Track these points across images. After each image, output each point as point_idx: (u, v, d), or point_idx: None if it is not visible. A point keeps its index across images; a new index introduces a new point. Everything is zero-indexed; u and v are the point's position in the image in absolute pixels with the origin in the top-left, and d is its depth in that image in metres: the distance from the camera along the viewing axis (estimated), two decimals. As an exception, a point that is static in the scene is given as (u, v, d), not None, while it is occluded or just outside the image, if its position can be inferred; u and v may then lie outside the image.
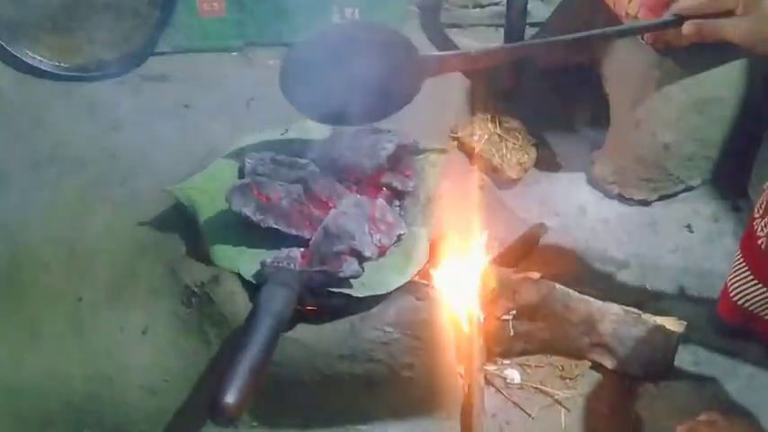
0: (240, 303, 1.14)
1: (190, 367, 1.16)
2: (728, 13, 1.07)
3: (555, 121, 1.70)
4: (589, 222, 1.59)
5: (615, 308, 1.35)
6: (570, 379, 1.38)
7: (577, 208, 1.61)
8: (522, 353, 1.41)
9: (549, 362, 1.41)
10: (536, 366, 1.41)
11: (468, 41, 1.86)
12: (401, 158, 1.28)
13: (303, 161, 1.26)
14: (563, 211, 1.59)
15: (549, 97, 1.73)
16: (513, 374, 1.39)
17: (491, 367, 1.38)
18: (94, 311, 1.19)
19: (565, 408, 1.33)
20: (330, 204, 1.20)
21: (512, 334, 1.37)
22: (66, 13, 1.44)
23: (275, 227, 1.16)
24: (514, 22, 1.68)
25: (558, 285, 1.36)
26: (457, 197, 1.35)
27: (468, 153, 1.66)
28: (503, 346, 1.39)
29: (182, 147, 1.34)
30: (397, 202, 1.26)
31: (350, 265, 1.13)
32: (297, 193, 1.20)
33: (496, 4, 1.87)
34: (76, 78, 1.46)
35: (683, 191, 1.63)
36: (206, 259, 1.19)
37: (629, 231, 1.59)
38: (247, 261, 1.16)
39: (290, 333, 1.12)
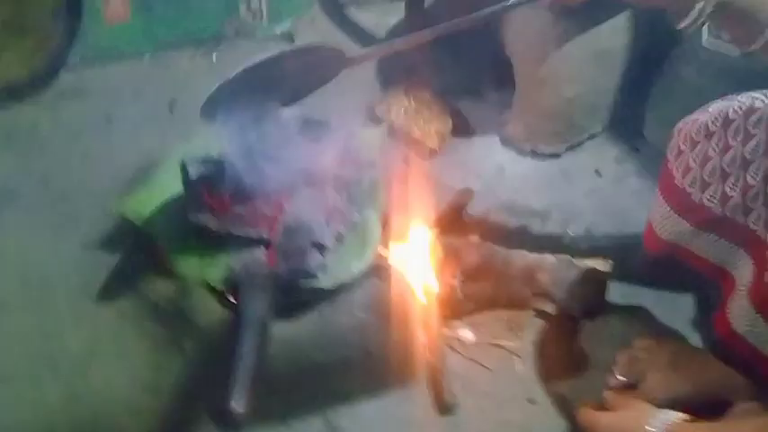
0: (213, 311, 1.16)
1: (170, 380, 1.17)
2: None
3: (463, 88, 1.77)
4: (508, 180, 1.68)
5: (549, 257, 1.45)
6: (518, 330, 1.48)
7: (496, 168, 1.69)
8: (472, 312, 1.50)
9: (496, 317, 1.49)
10: (485, 323, 1.49)
11: (368, 17, 1.89)
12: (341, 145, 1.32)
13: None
14: (483, 173, 1.67)
15: (454, 66, 1.80)
16: (467, 334, 1.47)
17: (446, 330, 1.46)
18: (62, 343, 1.17)
19: (517, 356, 1.43)
20: (283, 202, 1.23)
21: (460, 297, 1.46)
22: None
23: (234, 232, 1.18)
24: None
25: (495, 246, 1.45)
26: (389, 175, 1.41)
27: (389, 130, 1.70)
28: (454, 309, 1.47)
29: (112, 162, 1.32)
30: (345, 191, 1.30)
31: (314, 259, 1.17)
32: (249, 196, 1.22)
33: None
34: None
35: (588, 139, 1.74)
36: (167, 273, 1.20)
37: (545, 183, 1.69)
38: (212, 268, 1.18)
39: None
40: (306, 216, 1.19)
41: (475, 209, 1.62)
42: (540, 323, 1.46)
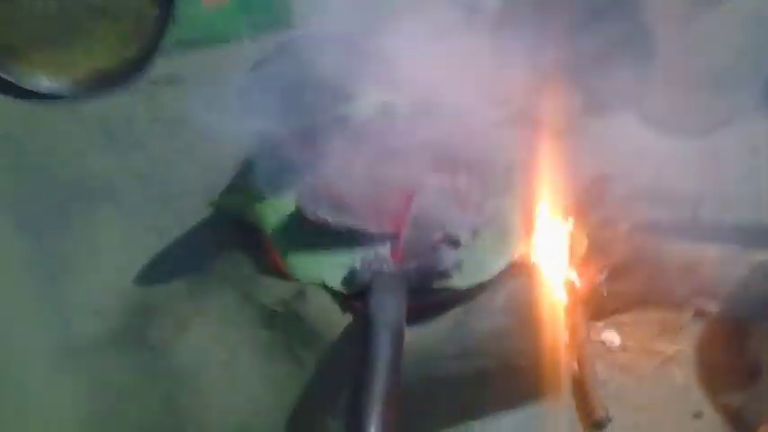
0: (333, 317, 1.02)
1: (283, 393, 1.03)
2: None
3: (589, 60, 1.57)
4: (651, 163, 1.48)
5: (711, 249, 1.26)
6: (674, 333, 1.29)
7: (635, 150, 1.49)
8: (615, 311, 1.32)
9: (646, 318, 1.32)
10: (634, 324, 1.31)
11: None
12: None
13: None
14: (621, 156, 1.47)
15: (576, 33, 1.60)
16: (613, 337, 1.30)
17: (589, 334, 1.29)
18: (164, 353, 1.05)
19: (676, 364, 1.24)
20: (410, 193, 1.07)
21: (605, 294, 1.28)
22: (53, 25, 1.27)
23: (355, 227, 1.03)
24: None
25: (647, 236, 1.26)
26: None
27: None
28: (597, 309, 1.30)
29: (215, 155, 1.19)
30: (476, 179, 1.13)
31: (448, 256, 1.01)
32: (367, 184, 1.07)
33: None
34: (80, 95, 1.29)
35: (742, 114, 1.52)
36: (279, 275, 1.06)
37: (694, 166, 1.48)
38: (329, 269, 1.04)
39: (392, 340, 1.00)
40: (437, 207, 1.03)
41: (614, 196, 1.43)
42: (700, 325, 1.28)
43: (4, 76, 1.24)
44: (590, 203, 1.38)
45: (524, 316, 1.05)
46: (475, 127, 1.15)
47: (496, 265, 1.04)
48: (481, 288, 1.04)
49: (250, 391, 1.04)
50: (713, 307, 1.27)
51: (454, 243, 1.02)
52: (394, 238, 1.04)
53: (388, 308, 0.91)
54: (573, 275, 1.22)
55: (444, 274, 1.00)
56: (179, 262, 1.12)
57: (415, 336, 1.02)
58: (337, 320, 1.01)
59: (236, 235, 1.11)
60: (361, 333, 0.90)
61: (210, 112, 1.29)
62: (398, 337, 0.89)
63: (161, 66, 1.37)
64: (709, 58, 1.43)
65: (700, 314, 1.29)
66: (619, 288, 1.29)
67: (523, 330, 1.05)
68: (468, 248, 1.04)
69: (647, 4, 1.51)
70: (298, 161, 1.09)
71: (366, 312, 0.91)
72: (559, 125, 1.52)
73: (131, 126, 1.28)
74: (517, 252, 1.07)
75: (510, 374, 1.07)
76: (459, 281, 1.01)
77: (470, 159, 1.11)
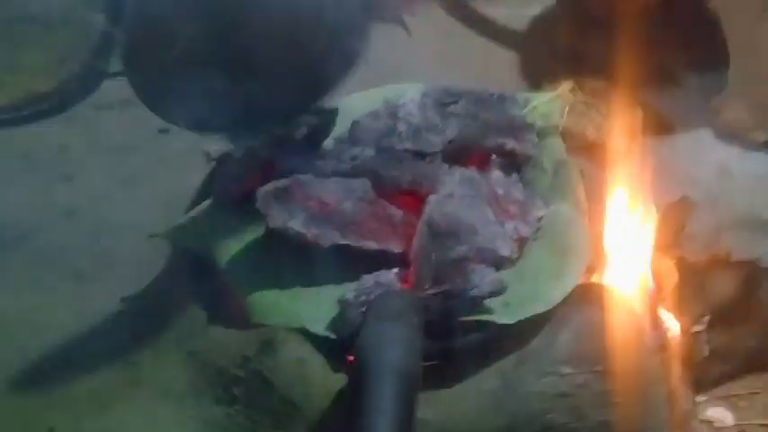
0: (316, 378, 0.68)
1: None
2: None
3: (648, 74, 1.30)
4: (739, 184, 1.19)
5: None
6: (808, 402, 0.93)
7: (717, 170, 1.20)
8: (722, 378, 0.97)
9: (766, 383, 0.97)
10: (750, 394, 0.96)
11: (505, 12, 1.47)
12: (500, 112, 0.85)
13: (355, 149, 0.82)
14: (700, 177, 1.18)
15: (630, 47, 1.34)
16: (723, 414, 0.94)
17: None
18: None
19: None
20: (421, 194, 0.75)
21: (707, 353, 0.93)
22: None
23: (344, 242, 0.71)
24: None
25: (760, 267, 0.93)
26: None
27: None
28: (694, 374, 0.95)
29: (165, 187, 0.91)
30: (515, 176, 0.81)
31: (483, 276, 0.68)
32: (363, 190, 0.75)
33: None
34: (13, 120, 1.04)
35: None
36: (239, 322, 0.74)
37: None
38: (310, 307, 0.71)
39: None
40: (464, 209, 0.71)
41: (699, 225, 1.11)
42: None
43: None
44: (670, 232, 1.07)
45: (608, 367, 0.70)
46: (511, 111, 0.85)
47: (556, 292, 0.70)
48: (536, 326, 0.70)
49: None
50: None
51: (492, 258, 0.69)
52: (402, 257, 0.71)
53: (391, 343, 0.58)
54: (667, 321, 0.87)
55: (479, 303, 0.66)
56: (105, 316, 0.81)
57: (443, 404, 0.68)
58: (322, 382, 0.67)
59: (182, 278, 0.80)
60: (352, 384, 0.56)
61: (167, 134, 1.03)
62: (409, 386, 0.55)
63: (108, 88, 1.12)
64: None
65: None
66: (725, 344, 0.95)
67: (607, 390, 0.70)
68: (513, 267, 0.71)
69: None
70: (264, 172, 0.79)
71: (359, 352, 0.58)
72: (618, 146, 1.23)
73: (64, 155, 1.00)
74: (584, 274, 0.74)
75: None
76: (502, 314, 0.68)
77: (508, 148, 0.79)
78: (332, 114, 0.87)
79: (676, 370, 0.87)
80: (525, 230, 0.73)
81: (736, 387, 0.97)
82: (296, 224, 0.71)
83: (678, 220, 1.11)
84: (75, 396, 0.75)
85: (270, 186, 0.73)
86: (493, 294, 0.68)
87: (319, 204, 0.73)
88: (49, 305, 0.84)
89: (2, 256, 0.88)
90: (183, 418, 0.72)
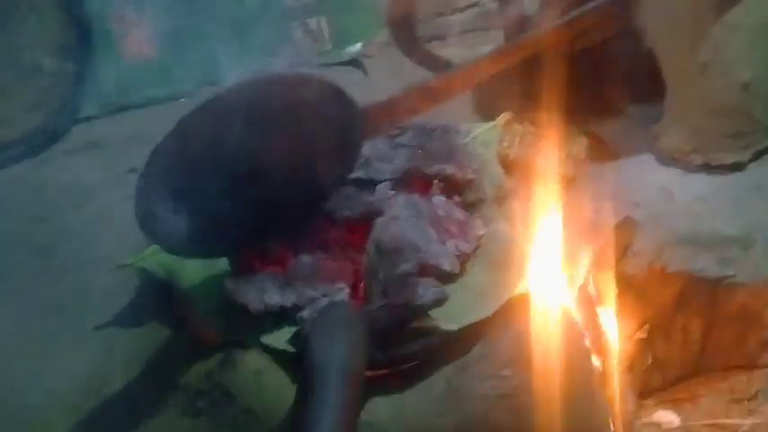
0: (273, 388, 0.73)
1: None
2: None
3: (591, 106, 1.37)
4: (681, 205, 1.23)
5: (777, 285, 0.98)
6: (749, 399, 0.98)
7: (659, 192, 1.25)
8: (667, 384, 1.02)
9: (708, 388, 1.02)
10: (694, 398, 1.01)
11: (457, 52, 1.54)
12: (443, 142, 0.91)
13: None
14: (643, 200, 1.23)
15: (574, 82, 1.41)
16: (670, 417, 0.99)
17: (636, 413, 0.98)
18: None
19: (756, 440, 0.93)
20: (371, 221, 0.81)
21: (650, 361, 0.99)
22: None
23: (317, 293, 0.76)
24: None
25: (697, 274, 0.99)
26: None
27: (503, 164, 1.30)
28: (638, 383, 1.00)
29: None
30: (456, 198, 0.87)
31: (427, 288, 0.73)
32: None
33: (476, 4, 1.58)
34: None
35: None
36: (202, 342, 0.79)
37: (734, 204, 1.23)
38: (269, 325, 0.76)
39: (359, 415, 0.71)
40: (408, 229, 0.77)
41: (643, 244, 1.17)
42: (784, 387, 0.98)
43: None
44: (616, 251, 1.13)
45: (542, 368, 0.75)
46: (452, 140, 0.91)
47: (494, 301, 0.76)
48: (477, 334, 0.75)
49: None
50: (794, 361, 0.97)
51: (435, 273, 0.75)
52: (355, 276, 0.77)
53: (337, 343, 0.63)
54: (608, 331, 0.93)
55: (423, 310, 0.72)
56: (75, 344, 0.85)
57: (391, 407, 0.73)
58: (279, 392, 0.72)
59: (149, 304, 0.85)
60: (301, 384, 0.61)
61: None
62: (353, 383, 0.60)
63: (78, 132, 1.17)
64: (731, 72, 1.21)
65: (779, 372, 0.99)
66: (666, 353, 1.01)
67: (544, 390, 0.76)
68: (456, 281, 0.77)
69: (650, 22, 1.32)
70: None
71: (306, 353, 0.63)
72: (565, 172, 1.30)
73: (35, 197, 1.05)
74: (522, 286, 0.80)
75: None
76: (445, 322, 0.73)
77: (448, 174, 0.86)
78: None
79: (618, 373, 0.92)
80: (466, 247, 0.79)
81: (681, 392, 1.02)
82: (273, 299, 0.75)
83: (623, 239, 1.17)
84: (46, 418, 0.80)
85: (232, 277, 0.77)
86: (436, 304, 0.73)
87: (276, 268, 0.78)
88: (20, 336, 0.88)
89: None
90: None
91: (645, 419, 0.99)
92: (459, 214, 0.82)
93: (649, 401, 1.02)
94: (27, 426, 0.81)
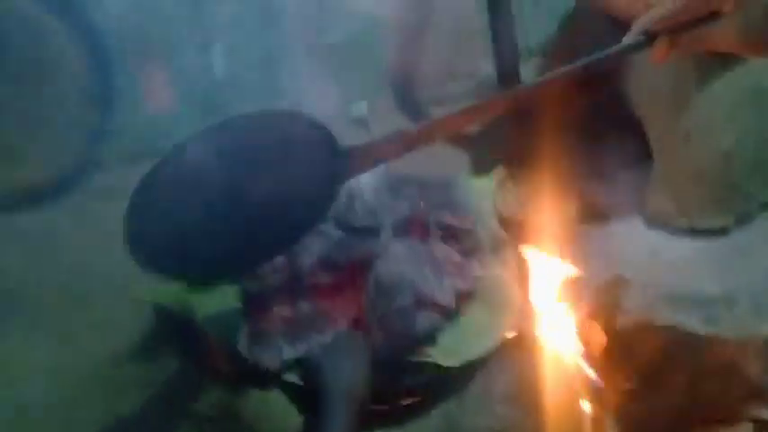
0: (282, 417, 0.76)
1: None
2: (713, 16, 0.77)
3: (583, 168, 1.44)
4: (667, 266, 1.28)
5: (757, 337, 1.03)
6: (733, 452, 1.01)
7: (647, 253, 1.30)
8: (657, 437, 1.05)
9: (696, 441, 1.05)
10: (680, 449, 1.04)
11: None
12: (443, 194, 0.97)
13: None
14: (631, 260, 1.28)
15: (567, 146, 1.48)
16: (656, 469, 1.02)
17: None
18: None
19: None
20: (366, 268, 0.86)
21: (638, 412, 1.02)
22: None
23: (326, 337, 0.79)
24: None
25: (681, 329, 1.03)
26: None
27: (498, 220, 1.36)
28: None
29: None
30: (455, 244, 0.92)
31: (424, 317, 0.78)
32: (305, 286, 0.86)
33: (475, 73, 1.66)
34: (5, 209, 1.13)
35: (760, 209, 1.35)
36: (215, 373, 0.82)
37: (718, 265, 1.28)
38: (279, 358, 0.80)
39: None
40: (406, 268, 0.82)
41: (631, 301, 1.21)
42: (763, 440, 1.01)
43: None
44: (605, 307, 1.17)
45: (534, 407, 0.79)
46: (450, 192, 0.97)
47: (491, 340, 0.80)
48: (474, 370, 0.80)
49: None
50: (773, 415, 1.01)
51: (431, 307, 0.80)
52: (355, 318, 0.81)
53: (341, 371, 0.67)
54: (595, 379, 0.97)
55: (420, 339, 0.76)
56: (91, 372, 0.88)
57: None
58: (284, 419, 0.75)
59: (162, 336, 0.89)
60: (308, 408, 0.65)
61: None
62: (356, 403, 0.64)
63: (97, 179, 1.22)
64: (713, 141, 1.28)
65: (760, 426, 1.02)
66: (653, 402, 1.04)
67: (535, 427, 0.79)
68: (454, 320, 0.82)
69: (637, 92, 1.39)
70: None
71: (313, 379, 0.67)
72: (559, 230, 1.35)
73: (53, 240, 1.09)
74: (515, 326, 0.84)
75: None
76: (443, 357, 0.78)
77: (447, 224, 0.91)
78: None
79: (606, 419, 0.95)
80: (463, 285, 0.84)
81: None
82: (288, 353, 0.79)
83: (612, 296, 1.22)
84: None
85: (243, 337, 0.81)
86: (432, 331, 0.78)
87: (284, 321, 0.82)
88: (39, 362, 0.91)
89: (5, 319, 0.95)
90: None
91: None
92: (456, 257, 0.87)
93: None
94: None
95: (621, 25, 1.33)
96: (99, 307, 0.97)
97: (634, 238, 1.36)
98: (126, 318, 0.94)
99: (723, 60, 1.28)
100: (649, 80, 1.38)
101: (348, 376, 0.66)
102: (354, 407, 0.64)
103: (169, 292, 0.89)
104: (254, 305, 0.83)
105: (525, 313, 0.87)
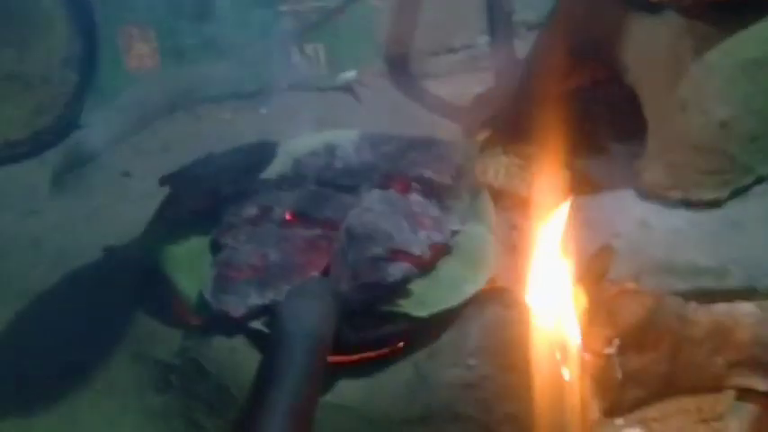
0: (248, 365, 0.75)
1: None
2: None
3: (577, 143, 1.42)
4: (659, 237, 1.26)
5: (747, 306, 1.01)
6: (715, 420, 1.00)
7: (639, 224, 1.28)
8: (637, 403, 1.03)
9: (676, 407, 1.03)
10: (663, 418, 1.02)
11: (448, 91, 1.60)
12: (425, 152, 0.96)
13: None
14: (622, 230, 1.26)
15: (562, 120, 1.46)
16: (639, 436, 1.00)
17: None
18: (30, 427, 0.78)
19: (721, 459, 0.94)
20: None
21: (620, 376, 1.00)
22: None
23: (293, 285, 0.78)
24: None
25: (666, 296, 1.02)
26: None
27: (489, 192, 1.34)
28: (610, 398, 1.01)
29: (122, 222, 0.99)
30: (434, 200, 0.90)
31: (396, 269, 0.76)
32: (276, 235, 0.85)
33: (470, 46, 1.65)
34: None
35: (755, 183, 1.32)
36: (182, 321, 0.81)
37: (711, 237, 1.26)
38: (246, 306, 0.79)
39: (328, 396, 0.73)
40: (381, 219, 0.81)
41: (620, 270, 1.20)
42: (747, 409, 0.99)
43: None
44: (592, 276, 1.15)
45: (512, 361, 0.78)
46: (434, 148, 0.96)
47: (464, 292, 0.79)
48: (446, 322, 0.78)
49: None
50: (760, 383, 0.99)
51: (404, 256, 0.78)
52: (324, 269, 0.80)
53: (303, 313, 0.66)
54: (575, 339, 0.95)
55: (392, 289, 0.75)
56: (61, 326, 0.87)
57: (361, 390, 0.75)
58: (252, 369, 0.74)
59: (132, 293, 0.88)
60: (266, 346, 0.64)
61: (129, 177, 1.13)
62: (317, 348, 0.63)
63: (78, 137, 1.22)
64: (708, 111, 1.26)
65: (744, 394, 1.00)
66: (636, 368, 1.02)
67: (512, 383, 0.78)
68: (427, 277, 0.80)
69: (631, 62, 1.37)
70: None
71: (276, 322, 0.65)
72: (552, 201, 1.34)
73: (32, 195, 1.09)
74: (490, 282, 0.82)
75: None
76: (414, 307, 0.76)
77: (427, 178, 0.89)
78: (273, 147, 0.97)
79: (583, 380, 0.94)
80: (439, 238, 0.83)
81: (651, 411, 1.03)
82: (254, 300, 0.77)
83: (600, 266, 1.20)
84: (29, 391, 0.82)
85: (208, 279, 0.80)
86: (405, 281, 0.76)
87: (253, 270, 0.80)
88: (9, 317, 0.90)
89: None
90: (125, 410, 0.79)
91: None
92: (434, 212, 0.86)
93: (620, 421, 1.03)
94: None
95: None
96: (74, 261, 0.97)
97: (625, 210, 1.34)
98: (99, 274, 0.93)
99: (720, 30, 1.26)
100: (646, 51, 1.36)
101: (309, 319, 0.65)
102: (315, 354, 0.62)
103: (139, 244, 0.88)
104: (224, 255, 0.82)
105: (502, 270, 0.85)
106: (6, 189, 1.12)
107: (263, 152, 0.97)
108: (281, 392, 0.57)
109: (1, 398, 0.82)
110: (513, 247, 1.12)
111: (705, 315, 1.02)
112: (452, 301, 0.78)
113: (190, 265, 0.83)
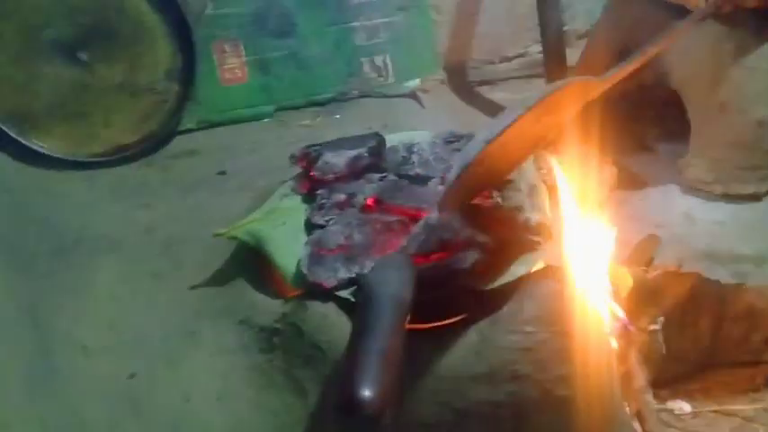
0: (337, 327, 0.89)
1: (285, 428, 0.88)
2: None
3: (624, 142, 1.53)
4: (701, 228, 1.36)
5: (781, 290, 1.11)
6: (753, 390, 1.10)
7: (682, 217, 1.39)
8: (678, 378, 1.14)
9: (716, 381, 1.14)
10: (704, 390, 1.13)
11: (503, 96, 1.73)
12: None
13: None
14: (666, 222, 1.37)
15: (611, 121, 1.57)
16: (681, 405, 1.11)
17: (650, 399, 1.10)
18: (152, 386, 0.92)
19: (759, 423, 1.04)
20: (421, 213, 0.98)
21: (664, 351, 1.11)
22: (75, 98, 1.31)
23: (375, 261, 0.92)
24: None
25: (706, 277, 1.12)
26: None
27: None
28: (654, 371, 1.12)
29: (223, 211, 1.14)
30: (496, 193, 1.03)
31: (471, 255, 0.89)
32: (358, 218, 1.00)
33: (523, 55, 1.77)
34: (95, 165, 1.30)
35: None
36: (281, 293, 0.96)
37: (750, 228, 1.35)
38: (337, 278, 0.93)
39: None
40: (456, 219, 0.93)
41: (664, 258, 1.30)
42: (784, 380, 1.09)
43: (23, 141, 1.26)
44: (638, 262, 1.26)
45: (565, 329, 0.90)
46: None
47: (521, 269, 0.91)
48: (506, 295, 0.90)
49: (246, 426, 0.89)
50: (796, 357, 1.09)
51: (474, 245, 0.91)
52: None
53: (388, 280, 0.79)
54: (622, 316, 1.06)
55: (464, 275, 0.88)
56: (176, 301, 1.02)
57: (434, 353, 0.88)
58: (341, 331, 0.88)
59: (238, 270, 1.03)
60: (358, 307, 0.77)
61: (225, 175, 1.28)
62: (401, 307, 0.76)
63: (179, 142, 1.38)
64: (748, 111, 1.35)
65: (776, 367, 1.10)
66: (679, 346, 1.13)
67: (564, 347, 0.90)
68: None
69: (675, 66, 1.47)
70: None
71: (364, 287, 0.79)
72: (594, 195, 1.44)
73: (142, 190, 1.25)
74: (546, 261, 0.95)
75: (551, 410, 0.90)
76: (479, 282, 0.89)
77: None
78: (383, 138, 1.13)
79: (631, 353, 1.04)
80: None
81: (692, 383, 1.14)
82: (343, 273, 0.92)
83: (646, 253, 1.30)
84: (152, 353, 0.97)
85: (305, 259, 0.93)
86: (472, 267, 0.89)
87: (341, 248, 0.95)
88: (130, 295, 1.05)
89: (98, 258, 1.10)
90: (234, 367, 0.93)
91: (660, 407, 1.10)
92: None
93: (665, 392, 1.13)
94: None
95: (664, 6, 1.42)
96: (177, 249, 1.11)
97: (670, 203, 1.45)
98: (206, 257, 1.07)
99: (758, 36, 1.36)
100: (688, 55, 1.46)
101: (394, 285, 0.78)
102: (399, 311, 0.75)
103: (244, 229, 1.03)
104: (316, 236, 0.96)
105: (557, 251, 0.97)
106: (120, 186, 1.28)
107: (377, 140, 1.12)
108: (373, 340, 0.70)
109: (130, 360, 0.97)
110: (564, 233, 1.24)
111: (741, 294, 1.12)
112: (512, 276, 0.90)
113: (286, 245, 0.97)
